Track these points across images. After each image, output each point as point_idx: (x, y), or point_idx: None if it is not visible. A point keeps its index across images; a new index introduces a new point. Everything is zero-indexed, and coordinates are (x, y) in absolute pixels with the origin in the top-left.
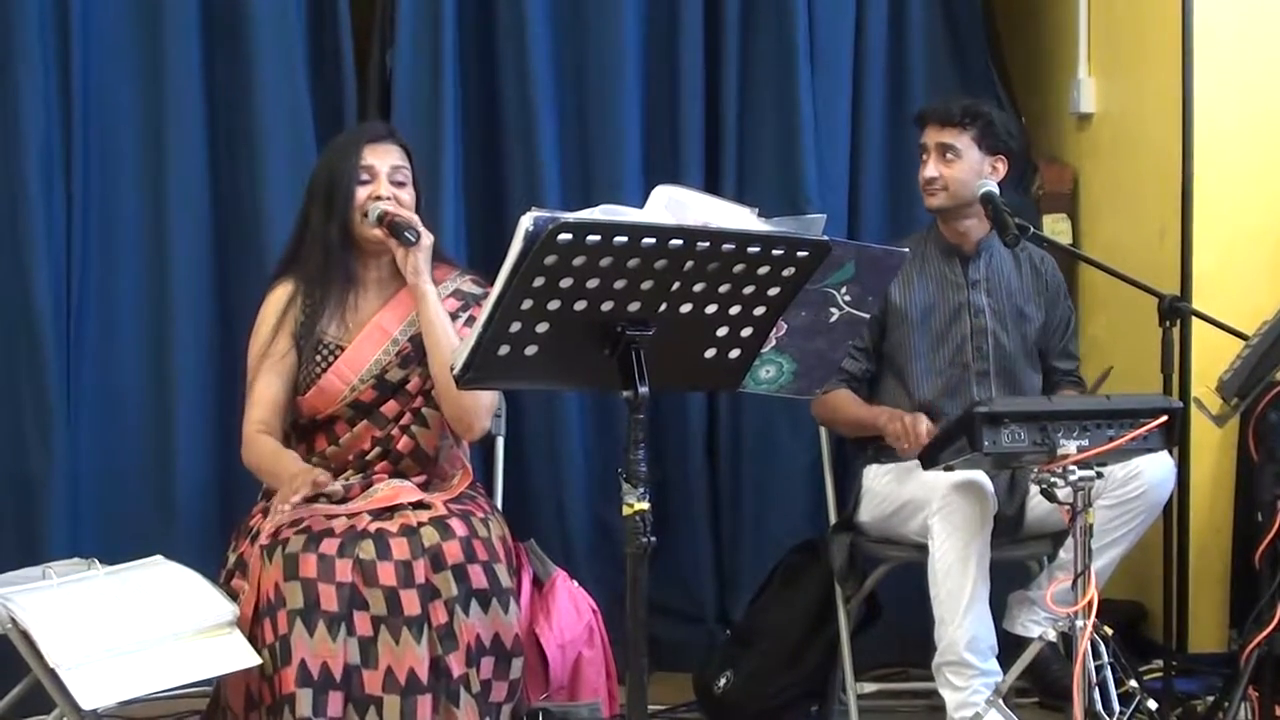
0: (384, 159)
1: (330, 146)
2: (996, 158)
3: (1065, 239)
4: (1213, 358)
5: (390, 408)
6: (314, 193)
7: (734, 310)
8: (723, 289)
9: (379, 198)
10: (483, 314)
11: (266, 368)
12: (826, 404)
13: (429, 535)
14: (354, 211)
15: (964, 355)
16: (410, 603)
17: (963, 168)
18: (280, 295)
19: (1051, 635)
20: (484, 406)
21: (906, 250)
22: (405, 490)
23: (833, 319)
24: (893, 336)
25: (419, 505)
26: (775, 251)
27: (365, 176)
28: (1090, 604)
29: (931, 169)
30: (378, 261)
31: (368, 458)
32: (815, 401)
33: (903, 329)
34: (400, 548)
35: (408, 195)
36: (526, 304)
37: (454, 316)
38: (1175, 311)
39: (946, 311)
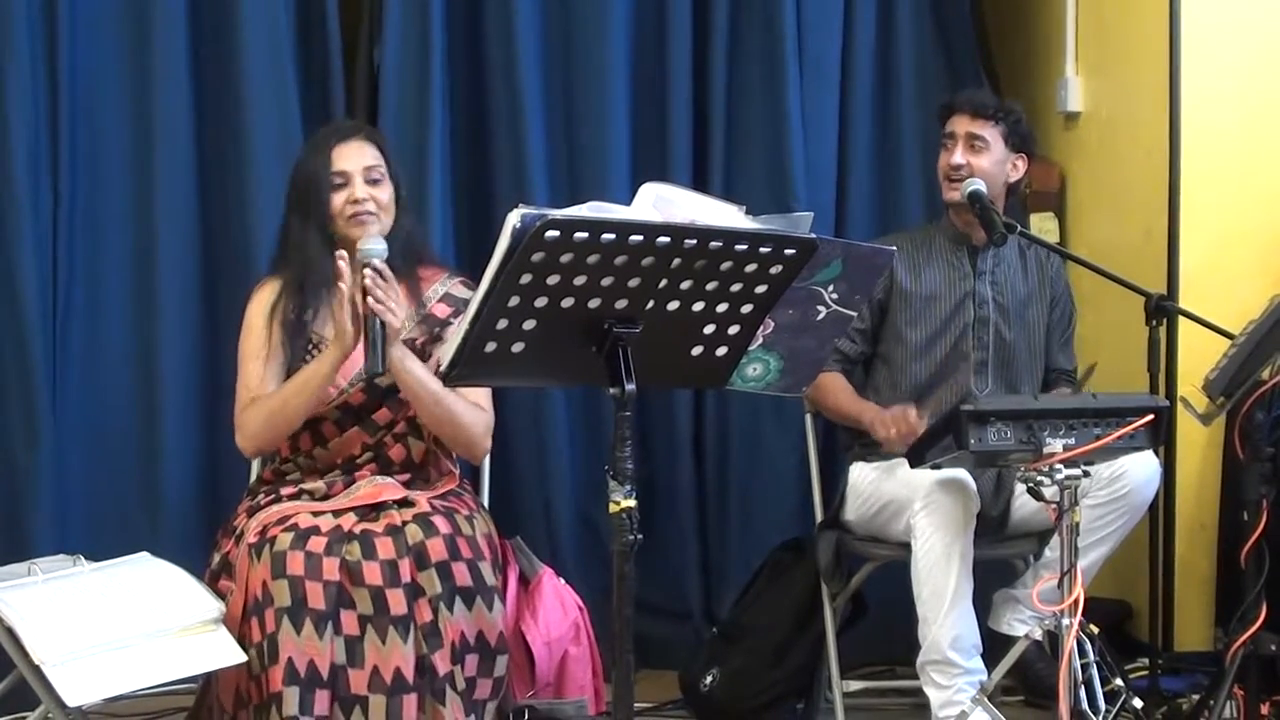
0: (355, 159)
1: (305, 148)
2: (1018, 155)
3: (1052, 238)
4: (1199, 357)
5: (382, 415)
6: (290, 197)
7: (721, 308)
8: (710, 286)
9: (357, 201)
10: (469, 311)
11: (261, 364)
12: (817, 384)
13: (413, 533)
14: (331, 218)
15: (964, 344)
16: (396, 602)
17: (990, 158)
18: (266, 294)
19: (1037, 634)
20: (480, 432)
21: (894, 249)
22: (388, 488)
23: (819, 317)
24: (892, 319)
25: (403, 503)
26: (762, 249)
27: (339, 180)
28: (1076, 602)
29: (959, 156)
30: None
31: (357, 461)
32: None
33: (905, 313)
34: (385, 547)
35: (384, 193)
36: (513, 301)
37: (444, 323)
38: (1162, 310)
39: (951, 299)
